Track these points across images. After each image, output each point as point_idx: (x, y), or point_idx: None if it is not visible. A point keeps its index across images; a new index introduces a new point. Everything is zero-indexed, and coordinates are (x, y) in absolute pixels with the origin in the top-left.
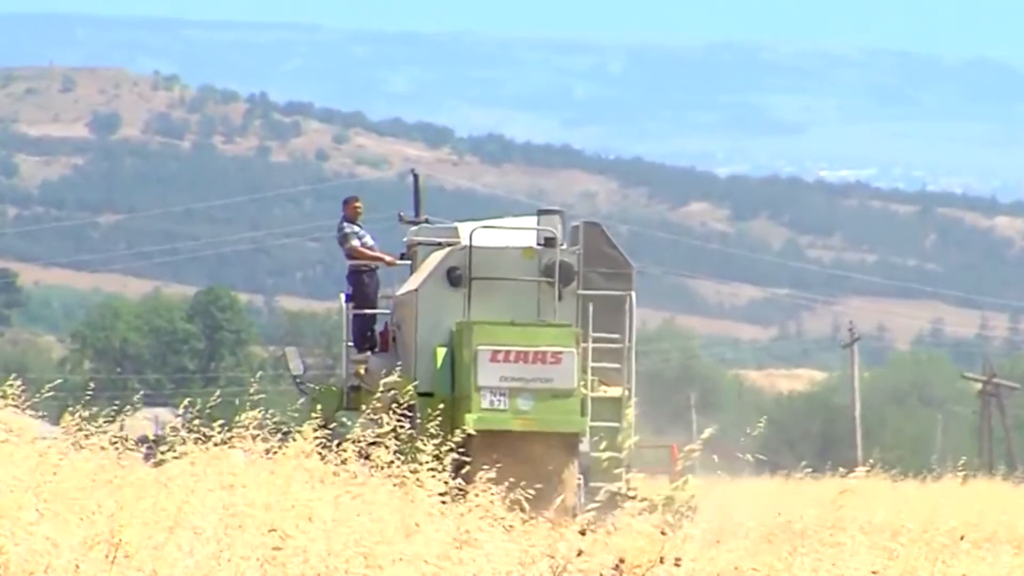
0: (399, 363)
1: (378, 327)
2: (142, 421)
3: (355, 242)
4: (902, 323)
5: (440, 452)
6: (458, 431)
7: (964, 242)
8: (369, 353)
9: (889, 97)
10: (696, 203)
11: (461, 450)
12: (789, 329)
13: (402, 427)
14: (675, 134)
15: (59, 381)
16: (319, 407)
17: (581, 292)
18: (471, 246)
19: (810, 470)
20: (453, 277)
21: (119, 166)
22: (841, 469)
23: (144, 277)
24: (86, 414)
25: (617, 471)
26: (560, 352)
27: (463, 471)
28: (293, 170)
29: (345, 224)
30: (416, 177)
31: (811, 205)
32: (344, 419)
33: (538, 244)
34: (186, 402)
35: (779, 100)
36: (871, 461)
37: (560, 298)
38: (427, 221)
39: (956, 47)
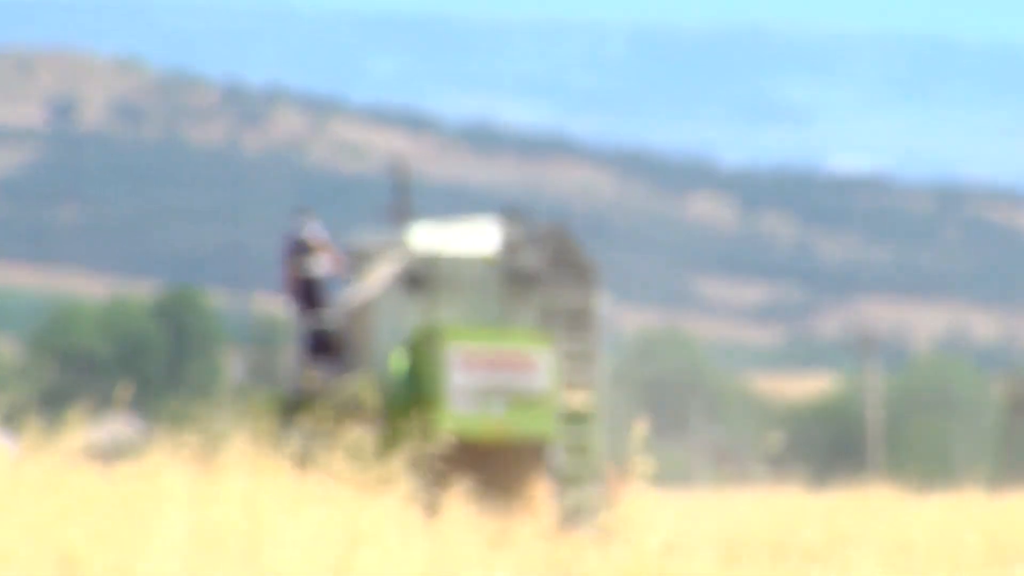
0: (349, 370)
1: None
2: (102, 430)
3: (313, 271)
4: (921, 324)
5: (408, 460)
6: (429, 437)
7: (987, 238)
8: (316, 360)
9: (908, 84)
10: (701, 196)
11: (432, 457)
12: (800, 330)
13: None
14: (679, 122)
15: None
16: (259, 414)
17: (544, 298)
18: (430, 252)
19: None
20: (412, 283)
21: (79, 155)
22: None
23: (106, 275)
24: (44, 423)
25: (586, 480)
26: (532, 356)
27: (432, 478)
28: (268, 160)
29: (316, 246)
30: (400, 170)
31: (824, 198)
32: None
33: (500, 249)
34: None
35: (790, 86)
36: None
37: (523, 304)
38: (410, 217)
39: (980, 31)
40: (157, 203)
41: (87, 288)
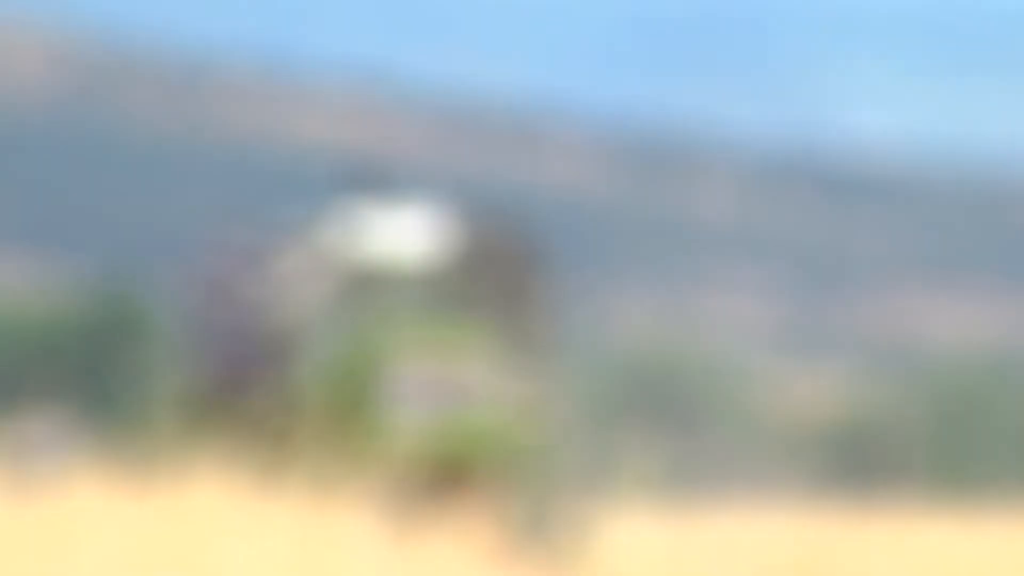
0: (272, 374)
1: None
2: (20, 434)
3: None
4: (951, 319)
5: (355, 478)
6: (375, 453)
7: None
8: (232, 360)
9: (941, 53)
10: (705, 178)
11: (380, 474)
12: (814, 326)
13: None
14: (678, 97)
15: None
16: (169, 421)
17: (485, 294)
18: (365, 251)
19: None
20: (340, 281)
21: (3, 127)
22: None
23: (29, 259)
24: None
25: (541, 489)
26: (480, 358)
27: (381, 496)
28: (209, 133)
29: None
30: (367, 168)
31: (845, 181)
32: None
33: (438, 241)
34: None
35: (806, 57)
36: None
37: (463, 302)
38: (356, 195)
39: None
40: (93, 182)
41: (10, 276)
